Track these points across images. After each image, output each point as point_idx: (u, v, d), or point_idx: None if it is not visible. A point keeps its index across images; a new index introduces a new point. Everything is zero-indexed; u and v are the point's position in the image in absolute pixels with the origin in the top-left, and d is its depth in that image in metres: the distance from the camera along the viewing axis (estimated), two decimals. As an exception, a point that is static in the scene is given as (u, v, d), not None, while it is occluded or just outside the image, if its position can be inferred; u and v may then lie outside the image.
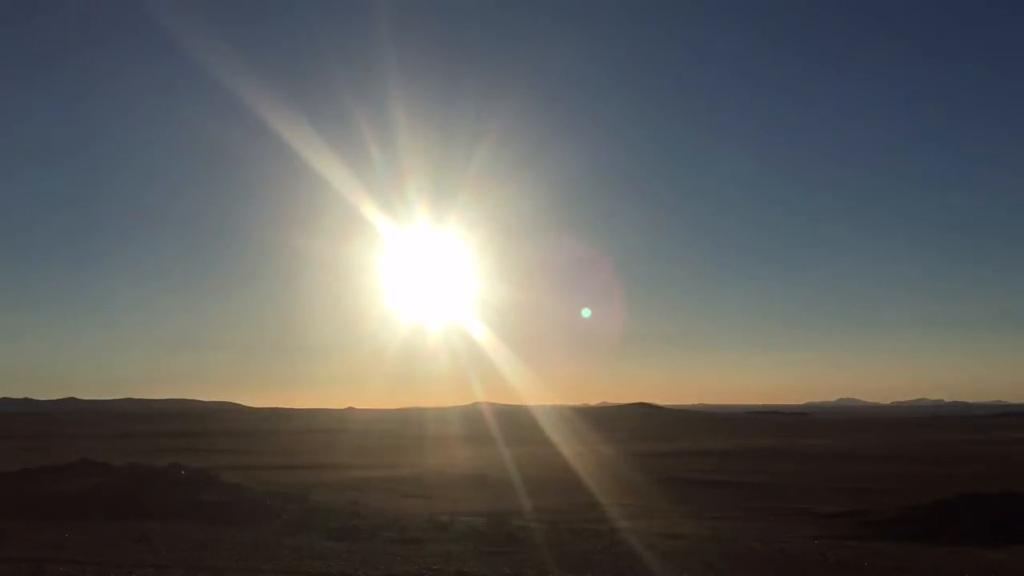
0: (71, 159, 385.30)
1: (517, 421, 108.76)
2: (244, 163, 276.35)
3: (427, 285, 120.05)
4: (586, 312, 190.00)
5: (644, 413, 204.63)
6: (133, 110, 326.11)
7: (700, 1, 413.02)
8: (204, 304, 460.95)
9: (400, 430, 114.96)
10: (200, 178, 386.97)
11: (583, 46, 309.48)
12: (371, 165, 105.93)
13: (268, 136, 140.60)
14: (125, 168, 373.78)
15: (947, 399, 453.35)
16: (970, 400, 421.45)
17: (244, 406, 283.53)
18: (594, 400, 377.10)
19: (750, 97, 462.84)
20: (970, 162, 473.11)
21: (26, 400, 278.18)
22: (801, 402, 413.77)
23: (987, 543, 22.55)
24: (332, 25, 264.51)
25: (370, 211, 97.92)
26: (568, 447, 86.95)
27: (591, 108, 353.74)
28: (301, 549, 17.72)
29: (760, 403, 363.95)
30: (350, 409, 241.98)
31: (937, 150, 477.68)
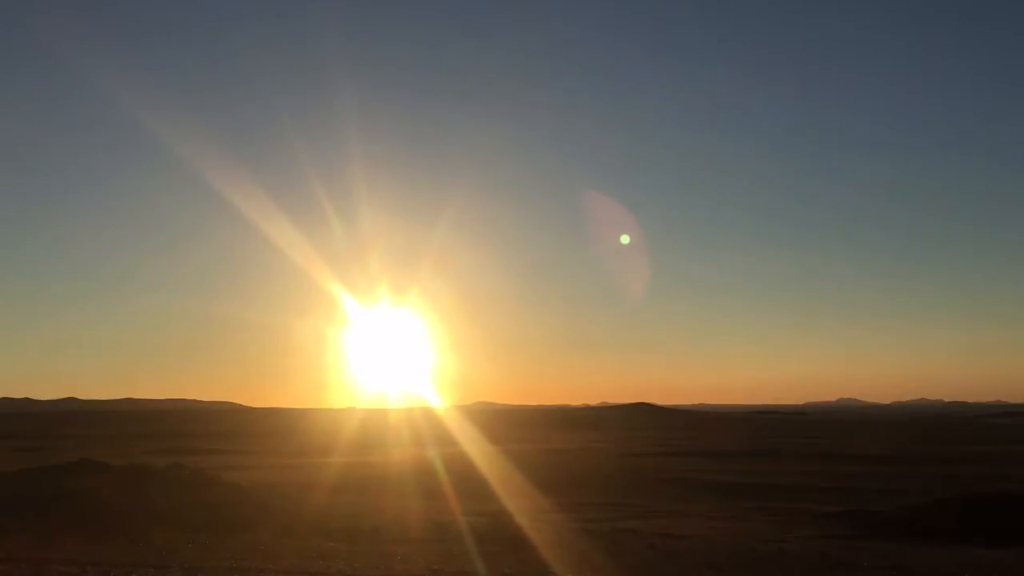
0: (69, 163, 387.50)
1: (518, 420, 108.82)
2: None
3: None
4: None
5: (644, 413, 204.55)
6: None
7: (664, 68, 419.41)
8: (203, 305, 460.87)
9: (401, 430, 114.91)
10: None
11: (541, 121, 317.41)
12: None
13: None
14: (118, 179, 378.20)
15: (947, 399, 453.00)
16: (970, 400, 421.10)
17: (244, 406, 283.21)
18: (594, 400, 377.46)
19: (743, 111, 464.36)
20: (971, 162, 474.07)
21: (26, 400, 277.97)
22: (801, 402, 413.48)
23: (987, 543, 22.54)
24: (293, 96, 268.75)
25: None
26: (569, 446, 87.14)
27: (553, 174, 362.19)
28: (301, 549, 17.73)
29: (760, 403, 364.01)
30: (350, 409, 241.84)
31: (937, 150, 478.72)
